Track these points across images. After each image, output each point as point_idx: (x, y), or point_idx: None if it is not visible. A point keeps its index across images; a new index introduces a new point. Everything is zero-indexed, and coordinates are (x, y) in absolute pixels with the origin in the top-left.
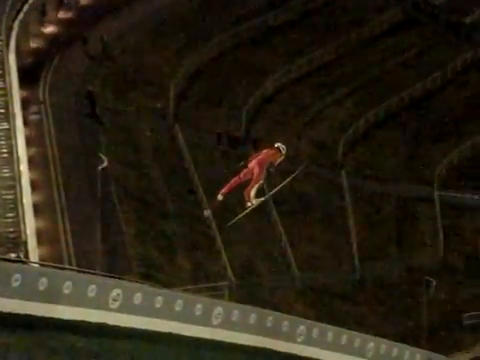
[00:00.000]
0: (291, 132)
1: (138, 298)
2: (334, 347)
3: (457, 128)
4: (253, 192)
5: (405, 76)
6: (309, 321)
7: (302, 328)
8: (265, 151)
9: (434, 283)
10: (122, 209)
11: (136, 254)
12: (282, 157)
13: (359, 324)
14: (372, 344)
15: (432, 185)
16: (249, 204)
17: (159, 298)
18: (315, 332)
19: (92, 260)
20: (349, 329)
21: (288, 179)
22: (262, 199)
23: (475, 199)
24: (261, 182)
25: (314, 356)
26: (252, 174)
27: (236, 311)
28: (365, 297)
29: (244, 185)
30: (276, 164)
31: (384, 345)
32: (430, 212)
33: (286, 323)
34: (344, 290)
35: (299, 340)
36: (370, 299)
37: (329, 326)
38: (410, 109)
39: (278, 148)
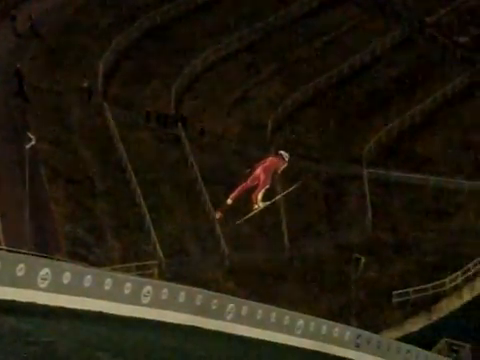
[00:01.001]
0: (220, 111)
1: (67, 277)
2: (264, 325)
3: (385, 106)
4: (260, 196)
5: (333, 54)
6: (238, 299)
7: (231, 306)
8: (270, 158)
9: (363, 260)
10: (51, 188)
11: (65, 233)
12: (285, 164)
13: (289, 302)
14: (301, 322)
15: (361, 163)
16: (256, 206)
17: (88, 277)
18: (244, 310)
19: (21, 239)
20: (279, 307)
21: (289, 189)
22: (268, 203)
23: (403, 176)
24: (267, 187)
25: (244, 334)
26: (258, 180)
27: (165, 290)
28: (294, 275)
29: (251, 190)
30: (280, 171)
31: (313, 323)
32: (359, 190)
33: (215, 301)
34: (274, 268)
35: (228, 318)
36: (299, 277)
37: (258, 304)
38: (338, 87)
39: (282, 155)
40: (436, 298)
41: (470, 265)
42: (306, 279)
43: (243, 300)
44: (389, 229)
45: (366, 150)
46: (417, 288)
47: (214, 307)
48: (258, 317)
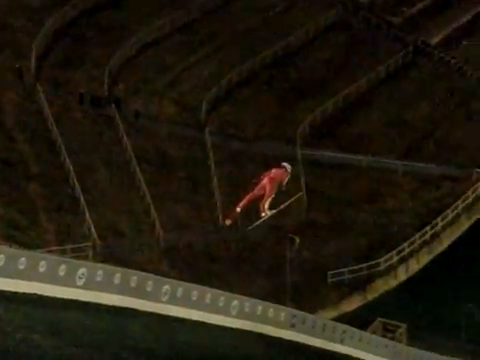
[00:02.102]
0: (154, 92)
1: (1, 260)
2: (199, 306)
3: (319, 87)
4: (267, 205)
5: (267, 35)
6: (173, 280)
7: (167, 287)
8: (274, 170)
9: (298, 241)
10: None
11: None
12: (289, 175)
13: (224, 283)
14: (236, 302)
15: (295, 143)
16: (263, 214)
17: (23, 259)
18: (180, 291)
19: None
20: (214, 288)
21: (293, 198)
22: (274, 211)
23: (337, 156)
24: (273, 196)
25: (179, 315)
26: (264, 190)
27: (100, 272)
28: (229, 256)
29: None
30: (285, 183)
31: (248, 303)
32: (293, 170)
33: (150, 283)
34: (208, 250)
35: (164, 299)
36: (234, 258)
37: (194, 285)
38: (273, 68)
39: (285, 167)
40: (371, 278)
41: (405, 245)
42: (241, 260)
43: (178, 281)
44: (324, 210)
45: (300, 131)
46: (352, 268)
47: (149, 289)
48: (193, 298)
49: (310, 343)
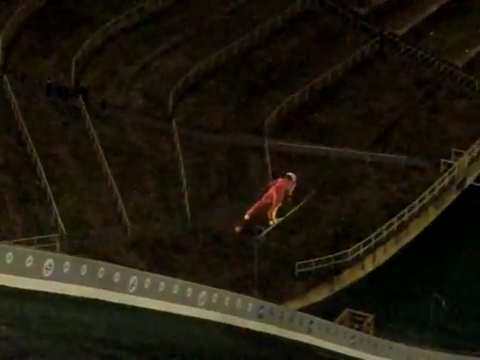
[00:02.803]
0: (121, 83)
1: None
2: (166, 297)
3: (286, 78)
4: (274, 213)
5: (234, 26)
6: (141, 271)
7: (134, 279)
8: (280, 180)
9: (265, 231)
10: None
11: None
12: (294, 185)
13: (191, 274)
14: (204, 293)
15: (262, 134)
16: (271, 223)
17: None
18: (147, 282)
19: None
20: (181, 279)
21: (300, 204)
22: (281, 219)
23: (304, 147)
24: (280, 205)
25: (147, 306)
26: (272, 199)
27: (67, 263)
28: (197, 247)
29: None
30: (291, 193)
31: (216, 294)
32: (260, 161)
33: (118, 274)
34: (176, 240)
35: (131, 290)
36: (202, 249)
37: (161, 276)
38: (239, 59)
39: (290, 177)
40: (338, 269)
41: (372, 236)
42: (208, 251)
43: (145, 272)
44: (291, 200)
45: (267, 121)
46: (319, 259)
47: (116, 280)
48: (161, 289)
49: (278, 334)
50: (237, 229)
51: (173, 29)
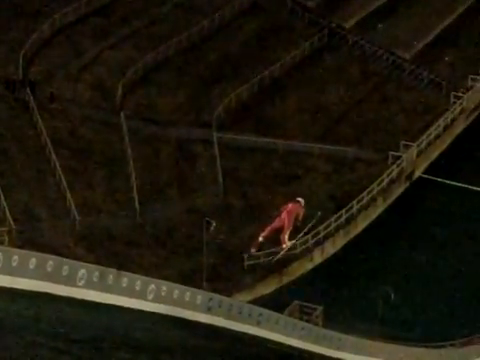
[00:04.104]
0: (69, 75)
1: None
2: (115, 290)
3: (235, 71)
4: (286, 237)
5: (183, 19)
6: (90, 265)
7: (83, 272)
8: (291, 205)
9: (214, 224)
10: None
11: None
12: (303, 210)
13: (140, 267)
14: (153, 286)
15: (211, 127)
16: (284, 246)
17: None
18: (96, 275)
19: None
20: (130, 272)
21: (309, 225)
22: (294, 242)
23: (253, 140)
24: (291, 228)
25: (96, 299)
26: (283, 222)
27: (16, 256)
28: (145, 240)
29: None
30: (300, 218)
31: (165, 287)
32: (209, 154)
33: (66, 267)
34: (124, 233)
35: (80, 284)
36: (150, 242)
37: (110, 269)
38: (188, 52)
39: (299, 202)
40: (287, 261)
41: (320, 228)
42: (157, 244)
43: (94, 266)
44: (239, 193)
45: (216, 114)
46: (268, 251)
47: (65, 273)
48: (109, 282)
49: (227, 326)
50: (253, 250)
51: (121, 21)
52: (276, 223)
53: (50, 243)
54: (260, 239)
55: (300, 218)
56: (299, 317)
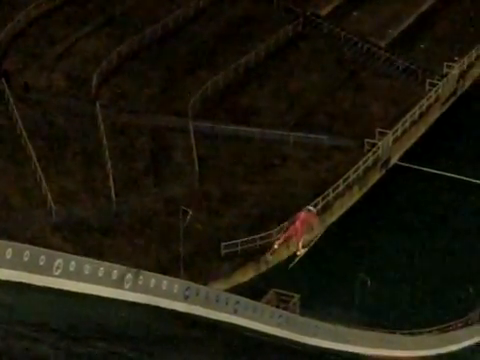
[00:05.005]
0: (44, 65)
1: None
2: (92, 279)
3: (210, 60)
4: (300, 244)
5: (157, 7)
6: (66, 254)
7: (59, 262)
8: (303, 214)
9: (190, 213)
10: None
11: None
12: (316, 218)
13: (117, 256)
14: (130, 275)
15: (186, 116)
16: (298, 253)
17: None
18: (72, 265)
19: None
20: (107, 261)
21: (318, 237)
22: (307, 249)
23: (229, 129)
24: (304, 237)
25: (72, 289)
26: (297, 231)
27: None
28: (122, 229)
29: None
30: (314, 226)
31: (142, 276)
32: (185, 143)
33: (43, 257)
34: (101, 223)
35: (57, 273)
36: (127, 231)
37: (86, 259)
38: (163, 41)
39: (311, 211)
40: (264, 249)
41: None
42: (134, 233)
43: (71, 255)
44: (216, 182)
45: (192, 103)
46: (245, 239)
47: (42, 263)
48: (86, 272)
49: (204, 315)
50: (268, 257)
51: (96, 11)
52: (290, 231)
53: (26, 233)
54: (275, 246)
55: (314, 227)
56: (276, 305)
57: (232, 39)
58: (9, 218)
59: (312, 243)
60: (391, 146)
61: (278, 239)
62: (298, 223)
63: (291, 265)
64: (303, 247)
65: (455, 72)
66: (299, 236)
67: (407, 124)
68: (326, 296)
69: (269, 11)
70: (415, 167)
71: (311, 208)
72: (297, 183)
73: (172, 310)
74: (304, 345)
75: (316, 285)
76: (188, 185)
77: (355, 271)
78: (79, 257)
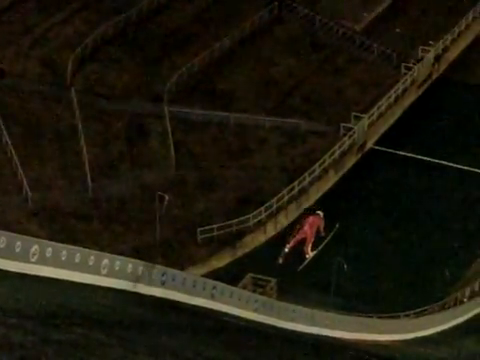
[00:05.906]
0: (19, 51)
1: None
2: (69, 265)
3: (185, 44)
4: (309, 248)
5: None
6: (42, 240)
7: (36, 248)
8: (312, 217)
9: (167, 198)
10: None
11: None
12: (323, 222)
13: (94, 242)
14: (106, 261)
15: (162, 101)
16: (307, 256)
17: None
18: (49, 251)
19: None
20: (84, 247)
21: (327, 239)
22: (315, 252)
23: (205, 114)
24: (313, 240)
25: (49, 275)
26: (306, 234)
27: None
28: (98, 215)
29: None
30: (322, 229)
31: (119, 261)
32: (161, 128)
33: (19, 243)
34: (77, 209)
35: (33, 260)
36: (103, 217)
37: (63, 245)
38: (138, 25)
39: (319, 215)
40: (240, 234)
41: (273, 201)
42: (110, 219)
43: (47, 241)
44: (192, 167)
45: (167, 88)
46: (221, 224)
47: (18, 249)
48: (63, 258)
49: (181, 300)
50: (280, 261)
51: None
52: (300, 235)
53: (2, 219)
54: (286, 250)
55: (321, 230)
56: (253, 289)
57: (208, 23)
58: None
59: (320, 247)
60: (367, 130)
61: (288, 243)
62: (307, 227)
63: (300, 267)
64: (311, 250)
65: (430, 56)
66: (308, 240)
67: (383, 108)
68: (303, 280)
69: None
70: (391, 151)
71: (319, 212)
72: (273, 168)
73: (149, 295)
74: (281, 329)
75: (293, 269)
76: (164, 170)
77: (332, 255)
78: (55, 243)
